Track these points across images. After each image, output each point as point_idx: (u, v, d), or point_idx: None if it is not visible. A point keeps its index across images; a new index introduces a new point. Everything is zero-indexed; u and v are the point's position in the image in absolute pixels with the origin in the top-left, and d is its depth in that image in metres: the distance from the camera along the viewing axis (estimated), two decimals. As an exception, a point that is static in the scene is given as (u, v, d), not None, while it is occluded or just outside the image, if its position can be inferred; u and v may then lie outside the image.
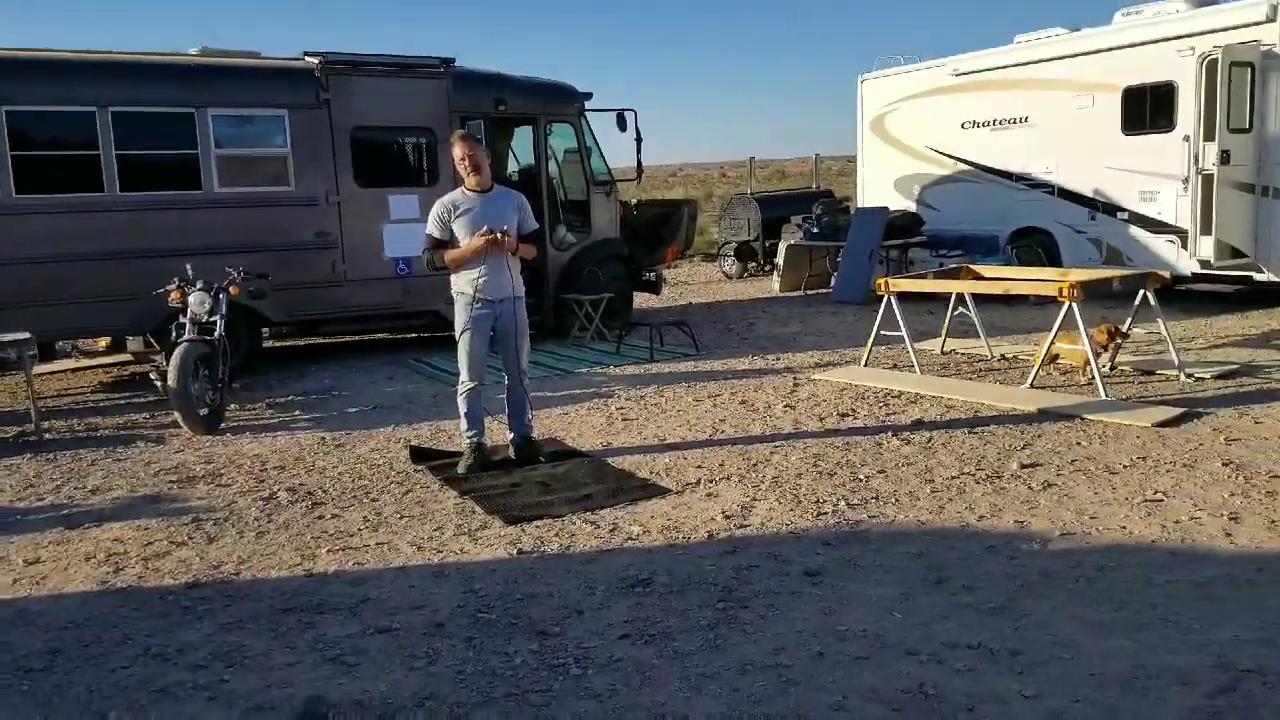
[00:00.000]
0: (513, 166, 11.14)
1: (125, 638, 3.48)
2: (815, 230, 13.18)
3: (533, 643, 3.32)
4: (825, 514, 4.50)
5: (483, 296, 5.31)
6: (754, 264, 15.74)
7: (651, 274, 10.90)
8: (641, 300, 11.70)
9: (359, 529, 4.58)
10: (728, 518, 4.49)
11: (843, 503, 4.64)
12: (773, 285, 13.85)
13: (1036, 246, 11.61)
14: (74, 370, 9.33)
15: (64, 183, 7.85)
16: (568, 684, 3.03)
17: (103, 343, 9.81)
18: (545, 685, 3.03)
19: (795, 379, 7.60)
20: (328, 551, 4.30)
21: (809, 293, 13.06)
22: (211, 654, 3.33)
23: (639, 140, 10.36)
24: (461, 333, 5.39)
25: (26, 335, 6.75)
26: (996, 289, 8.15)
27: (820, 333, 9.84)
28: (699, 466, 5.34)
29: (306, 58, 8.84)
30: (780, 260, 13.63)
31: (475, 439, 5.48)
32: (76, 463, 5.95)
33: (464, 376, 5.44)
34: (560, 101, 10.08)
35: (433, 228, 5.34)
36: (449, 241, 5.33)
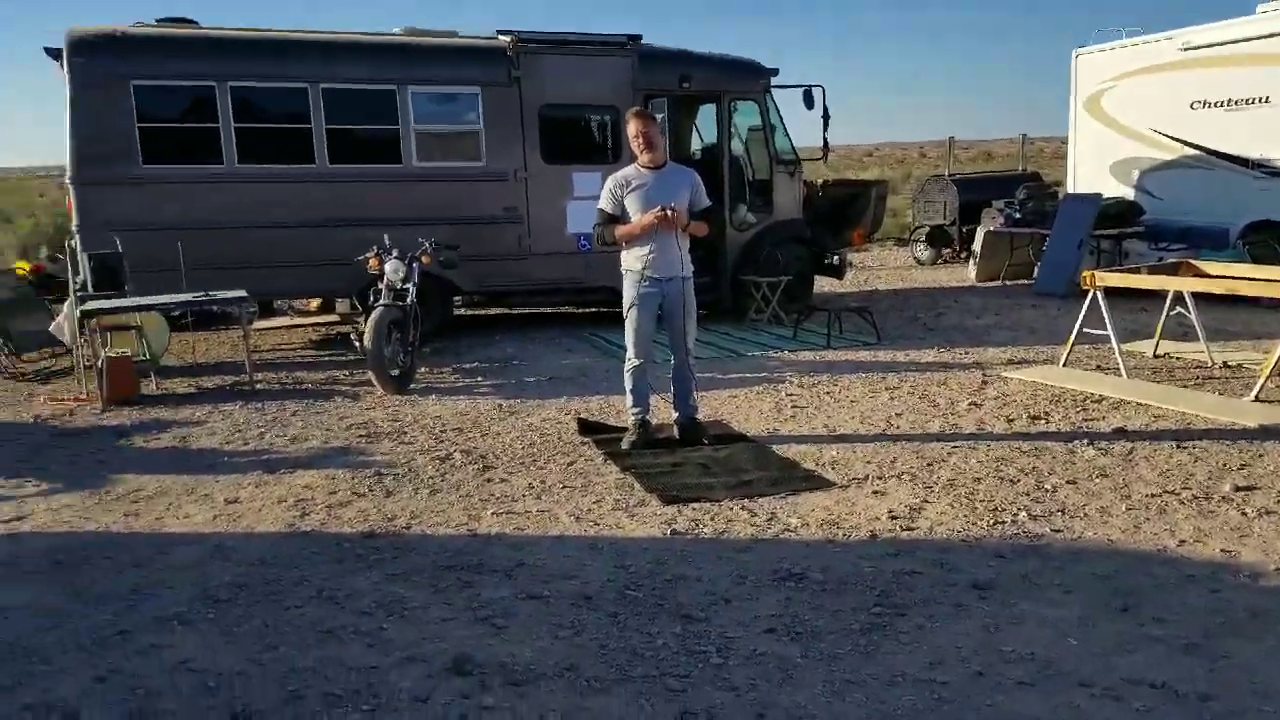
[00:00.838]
0: (695, 144, 11.09)
1: (303, 579, 3.73)
2: (1018, 216, 12.36)
3: (676, 626, 3.29)
4: (1002, 523, 4.21)
5: (651, 274, 5.31)
6: (948, 250, 14.99)
7: (835, 257, 10.58)
8: (823, 284, 11.39)
9: (523, 495, 4.71)
10: (894, 518, 4.28)
11: (1023, 513, 4.32)
12: (968, 273, 13.14)
13: (1274, 242, 10.38)
14: (288, 327, 10.13)
15: (279, 154, 8.47)
16: (706, 672, 2.98)
17: (314, 303, 10.63)
18: (684, 671, 2.99)
19: (984, 375, 7.17)
20: (492, 514, 4.44)
21: (1007, 283, 12.29)
22: (376, 602, 3.52)
23: (826, 118, 10.05)
24: (629, 310, 5.41)
25: (244, 294, 7.37)
26: (1221, 289, 7.33)
27: (1016, 327, 9.24)
28: (868, 462, 5.13)
29: (500, 36, 9.11)
30: (977, 247, 12.90)
31: (640, 416, 5.50)
32: (280, 412, 6.45)
33: (631, 354, 5.47)
34: (745, 78, 9.92)
35: (604, 203, 5.39)
36: (620, 217, 5.35)
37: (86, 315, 6.80)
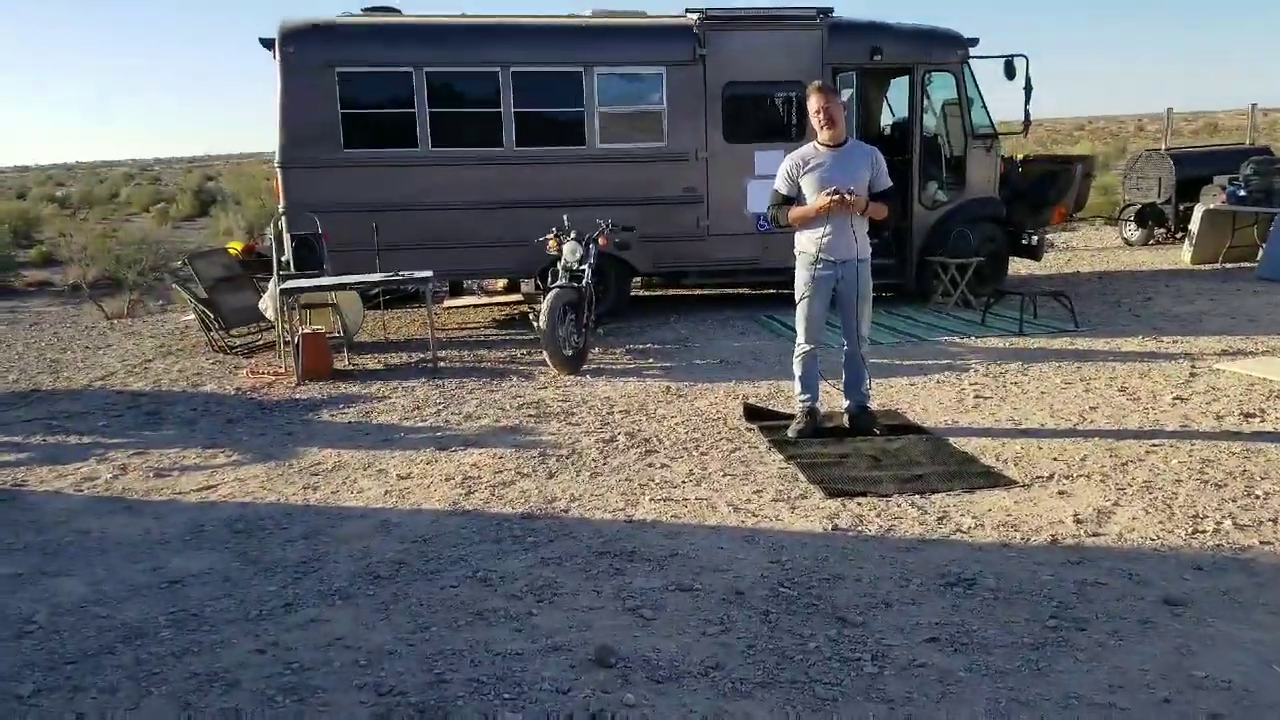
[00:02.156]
0: (886, 119, 10.56)
1: (460, 558, 3.79)
2: (1242, 193, 11.02)
3: (831, 628, 3.09)
4: (1203, 532, 3.72)
5: (825, 257, 5.04)
6: (1162, 230, 13.60)
7: (1032, 238, 9.81)
8: (1019, 266, 10.61)
9: (683, 481, 4.61)
10: (1079, 522, 3.87)
11: (1228, 521, 3.80)
12: (1183, 256, 11.87)
13: None
14: (475, 306, 10.49)
15: (469, 137, 8.72)
16: (860, 682, 2.77)
17: (500, 283, 10.96)
18: (835, 678, 2.80)
19: (1193, 367, 6.42)
20: (650, 500, 4.37)
21: (1227, 266, 11.01)
22: (527, 586, 3.51)
23: (1028, 90, 9.28)
24: (801, 294, 5.18)
25: (429, 274, 7.66)
26: None
27: (1234, 315, 8.25)
28: (1055, 459, 4.68)
29: (687, 14, 8.98)
30: (1195, 227, 11.62)
31: (808, 403, 5.27)
32: (459, 390, 6.66)
33: (801, 339, 5.24)
34: (941, 49, 9.31)
35: (780, 183, 5.16)
36: (795, 198, 5.12)
37: (286, 293, 7.27)
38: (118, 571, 3.79)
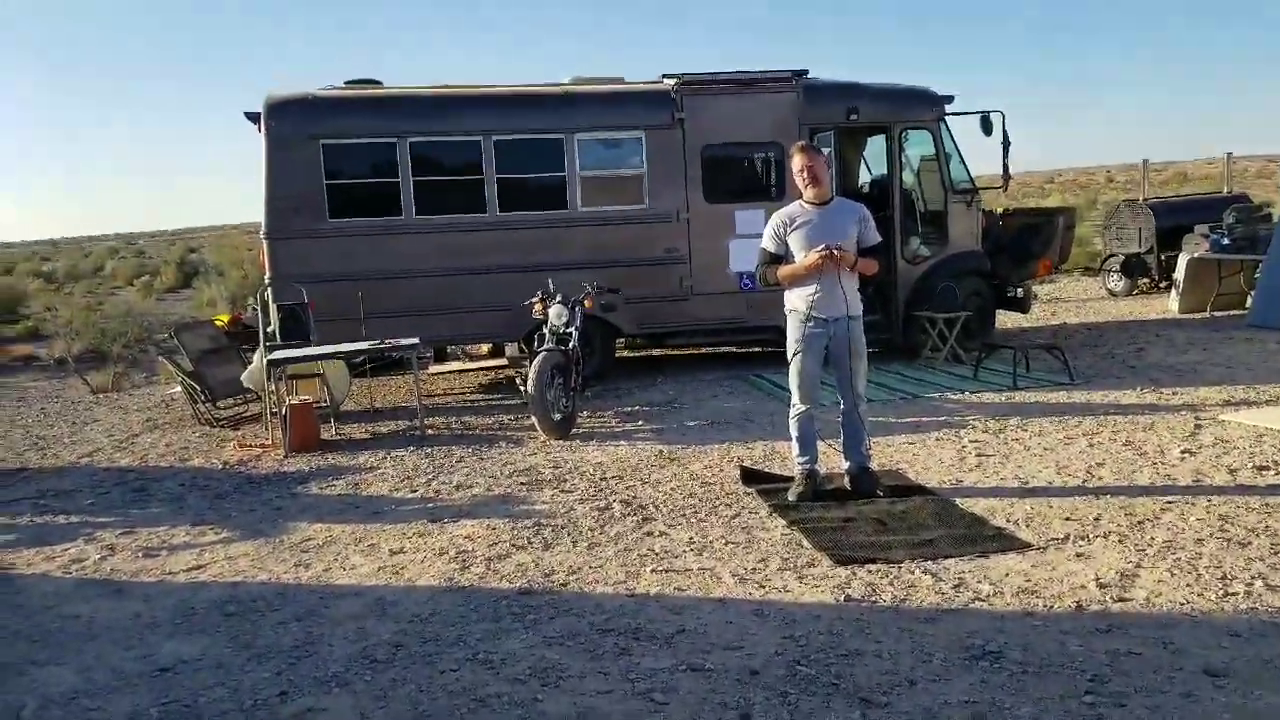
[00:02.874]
0: (864, 176, 10.67)
1: (459, 639, 3.64)
2: (1227, 241, 11.17)
3: (854, 710, 2.95)
4: (1234, 594, 3.62)
5: (816, 315, 5.00)
6: (1145, 280, 13.74)
7: (1018, 290, 9.86)
8: (1006, 319, 10.64)
9: (684, 550, 4.48)
10: (1102, 586, 3.77)
11: (1259, 582, 3.71)
12: (1170, 305, 11.97)
13: None
14: (459, 371, 10.40)
15: (453, 204, 8.74)
16: (890, 770, 2.64)
17: (485, 348, 10.89)
18: (864, 766, 2.66)
19: (1197, 419, 6.39)
20: (651, 571, 4.24)
21: (1215, 315, 11.09)
22: (530, 669, 3.36)
23: (1006, 144, 9.42)
24: (794, 353, 5.12)
25: (415, 341, 7.58)
26: None
27: (1230, 364, 8.26)
28: (1068, 518, 4.59)
29: (664, 79, 9.09)
30: (1180, 275, 11.74)
31: (807, 466, 5.18)
32: (448, 458, 6.52)
33: (795, 399, 5.17)
34: (917, 107, 9.46)
35: (767, 241, 5.14)
36: (784, 256, 5.09)
37: (273, 364, 7.16)
38: (108, 659, 3.62)
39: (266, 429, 7.36)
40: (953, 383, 8.10)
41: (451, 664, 3.42)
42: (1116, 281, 14.00)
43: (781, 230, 5.07)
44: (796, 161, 5.05)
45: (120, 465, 6.76)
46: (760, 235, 5.26)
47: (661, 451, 6.38)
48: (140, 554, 4.83)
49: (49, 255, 48.86)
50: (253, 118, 8.48)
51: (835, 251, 4.86)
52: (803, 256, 4.97)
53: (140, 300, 21.51)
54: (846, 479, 5.22)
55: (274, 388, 7.25)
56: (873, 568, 4.10)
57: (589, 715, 3.02)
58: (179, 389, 8.74)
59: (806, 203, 5.08)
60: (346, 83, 9.25)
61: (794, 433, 5.21)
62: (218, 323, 9.67)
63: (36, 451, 7.39)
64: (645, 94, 9.10)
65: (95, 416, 8.78)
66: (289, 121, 8.39)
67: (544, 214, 8.84)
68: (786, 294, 5.15)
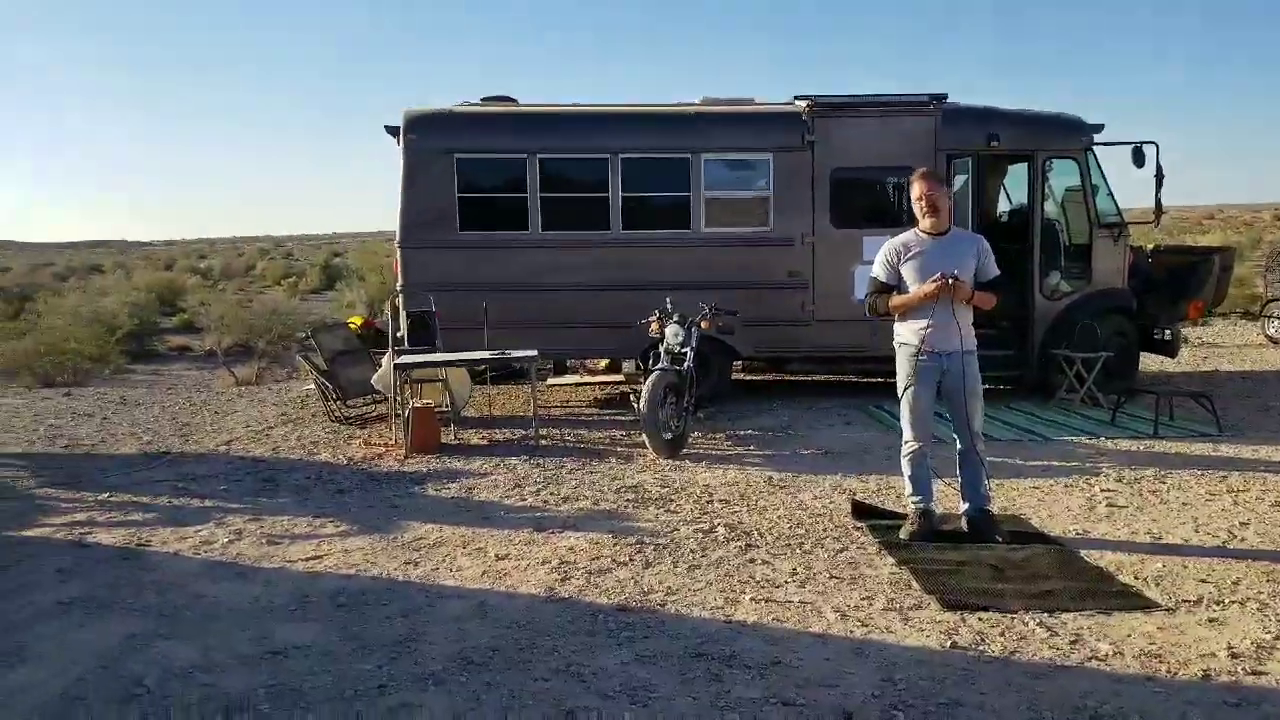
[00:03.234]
0: (1003, 205, 10.29)
1: (554, 649, 3.67)
2: None
3: (951, 763, 2.82)
4: (1391, 680, 3.29)
5: (928, 349, 4.84)
6: (1312, 328, 12.73)
7: (1165, 333, 9.28)
8: (1151, 363, 10.03)
9: (785, 581, 4.39)
10: (1235, 656, 3.48)
11: None
12: (1338, 356, 11.03)
13: None
14: (576, 385, 10.54)
15: (578, 221, 8.90)
16: (985, 830, 2.50)
17: (603, 363, 11.01)
18: (957, 823, 2.53)
19: (1362, 481, 5.85)
20: (750, 599, 4.17)
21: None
22: (621, 685, 3.36)
23: (1159, 177, 8.89)
24: (905, 388, 4.96)
25: (534, 352, 7.73)
26: None
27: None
28: (1203, 580, 4.27)
29: (796, 101, 9.02)
30: (1352, 325, 10.82)
31: (922, 505, 5.00)
32: (558, 469, 6.61)
33: (907, 435, 5.01)
34: (1063, 136, 9.05)
35: (878, 270, 5.02)
36: (896, 286, 4.96)
37: (400, 368, 7.44)
38: (227, 639, 3.82)
39: (390, 429, 7.65)
40: (1088, 426, 7.68)
41: (545, 673, 3.45)
42: (1277, 328, 13.02)
43: (895, 259, 4.95)
44: (915, 189, 4.92)
45: (254, 455, 7.15)
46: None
47: (771, 478, 6.29)
48: (264, 540, 5.09)
49: (205, 254, 52.36)
50: (392, 131, 8.87)
51: (950, 280, 4.70)
52: (915, 287, 4.83)
53: (286, 300, 22.77)
54: (964, 521, 5.01)
55: (400, 390, 7.54)
56: (984, 615, 3.92)
57: (675, 739, 2.99)
58: (313, 386, 9.19)
59: (922, 232, 4.94)
60: (483, 99, 9.56)
61: (906, 471, 5.05)
62: (351, 325, 10.12)
63: (180, 437, 7.90)
64: (775, 115, 9.05)
65: (236, 407, 9.33)
66: (426, 136, 8.73)
67: (666, 233, 8.89)
68: (897, 326, 5.02)
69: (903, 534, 4.94)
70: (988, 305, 4.93)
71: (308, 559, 4.79)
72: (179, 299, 22.04)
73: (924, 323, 4.84)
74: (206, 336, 15.06)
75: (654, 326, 7.57)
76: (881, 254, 5.03)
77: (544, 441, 7.50)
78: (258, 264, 38.76)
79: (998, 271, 4.98)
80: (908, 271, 4.89)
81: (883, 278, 5.00)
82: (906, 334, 4.95)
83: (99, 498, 5.96)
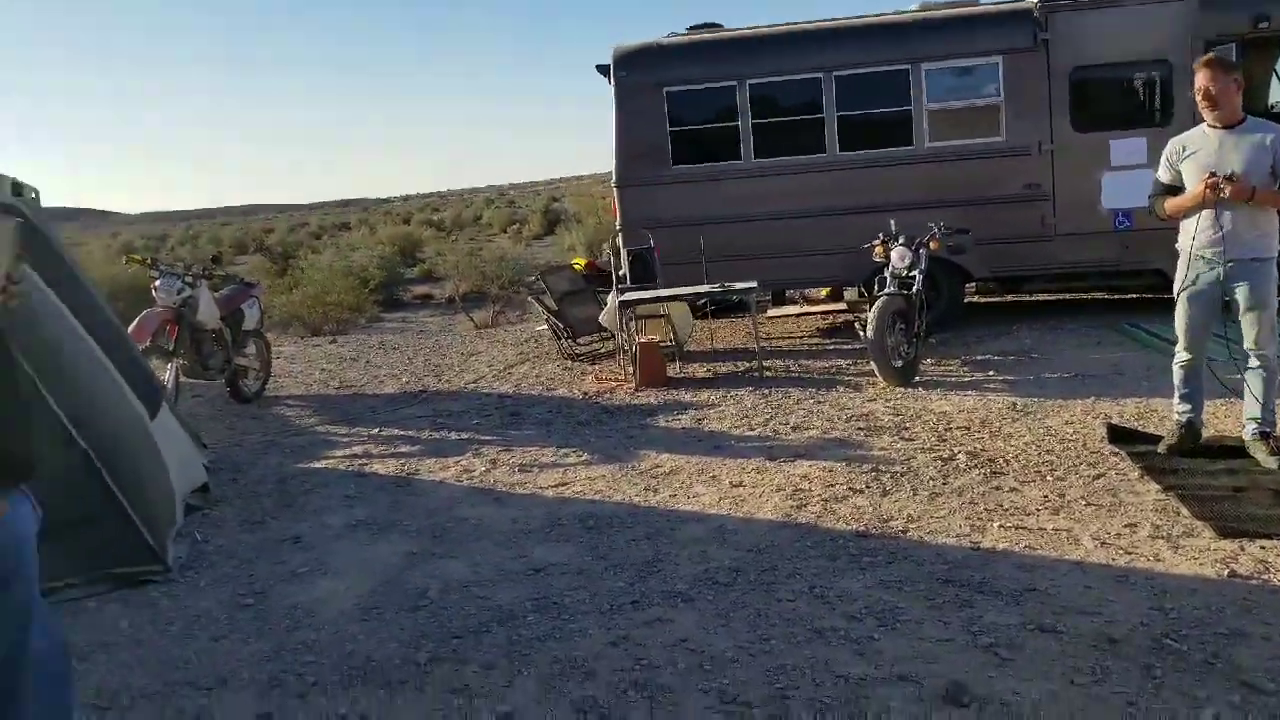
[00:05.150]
0: (1276, 97, 9.08)
1: (795, 572, 3.73)
2: None
3: (1234, 694, 2.64)
4: None
5: (1205, 254, 4.39)
6: None
7: None
8: None
9: (1037, 509, 4.21)
10: None
11: None
12: None
13: None
14: (797, 315, 10.44)
15: (791, 146, 8.71)
16: (1279, 767, 2.34)
17: (824, 291, 10.83)
18: (1246, 758, 2.38)
19: None
20: (999, 527, 4.04)
21: None
22: (866, 608, 3.37)
23: None
24: (1179, 294, 4.56)
25: (753, 284, 7.73)
26: None
27: None
28: None
29: (1025, -2, 8.32)
30: None
31: (1187, 416, 4.63)
32: (784, 400, 6.62)
33: (1180, 345, 4.63)
34: (1356, 8, 7.80)
35: (1160, 171, 4.64)
36: (1178, 187, 4.52)
37: (624, 305, 7.68)
38: (491, 557, 4.17)
39: (619, 365, 7.94)
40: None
41: (788, 594, 3.53)
42: None
43: (1175, 157, 4.54)
44: (1198, 79, 4.43)
45: (499, 392, 7.66)
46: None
47: (1015, 404, 6.00)
48: (516, 469, 5.47)
49: (438, 206, 55.82)
50: (603, 70, 8.99)
51: (1220, 180, 4.23)
52: (1194, 187, 4.39)
53: (512, 247, 23.95)
54: (1251, 444, 4.57)
55: (625, 327, 7.79)
56: (1266, 543, 3.59)
57: (925, 659, 2.99)
58: (545, 326, 9.67)
59: (1208, 126, 4.46)
60: (689, 28, 9.49)
61: (1176, 380, 4.68)
62: (575, 266, 10.52)
63: (434, 377, 8.58)
64: (1002, 15, 8.38)
65: (478, 348, 9.99)
66: (636, 71, 8.79)
67: (887, 151, 8.53)
68: (1180, 228, 4.61)
69: (1161, 447, 4.61)
70: (1276, 204, 4.40)
71: (555, 485, 5.11)
72: (417, 250, 23.74)
73: (1204, 226, 4.41)
74: (445, 285, 16.17)
75: (878, 250, 7.34)
76: (1164, 153, 4.65)
77: (768, 373, 7.52)
78: (484, 214, 40.95)
79: None
80: (1188, 170, 4.47)
81: (1164, 179, 4.61)
82: (1184, 238, 4.55)
83: (371, 432, 6.61)
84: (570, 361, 8.68)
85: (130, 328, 6.27)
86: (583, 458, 5.59)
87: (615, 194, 9.09)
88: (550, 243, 24.23)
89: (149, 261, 7.45)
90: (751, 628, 3.28)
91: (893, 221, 7.40)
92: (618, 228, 9.02)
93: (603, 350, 8.85)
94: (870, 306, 7.12)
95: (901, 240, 7.17)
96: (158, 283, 6.95)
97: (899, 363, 6.83)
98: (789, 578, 3.68)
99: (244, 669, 3.30)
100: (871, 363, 6.93)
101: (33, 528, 2.20)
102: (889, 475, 4.82)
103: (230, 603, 3.88)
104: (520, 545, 4.28)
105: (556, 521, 4.54)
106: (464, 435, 6.36)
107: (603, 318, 8.39)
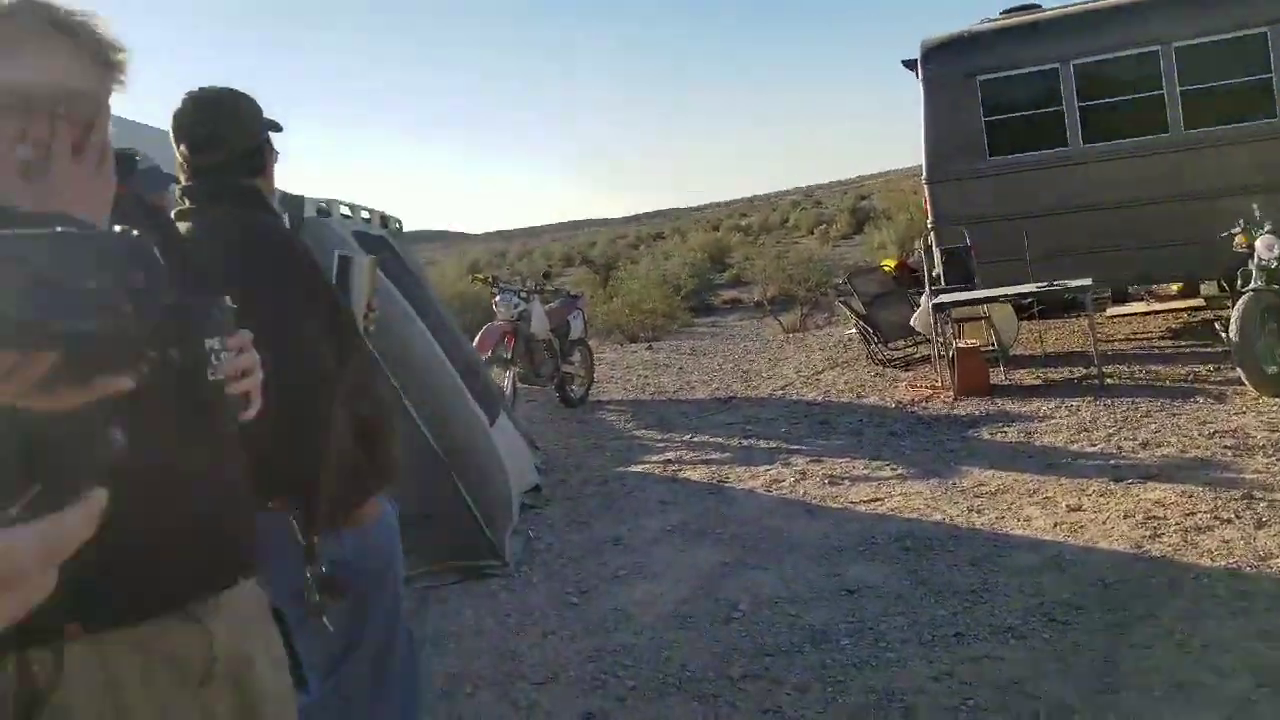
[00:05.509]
0: None
1: (1149, 613, 3.31)
2: None
3: None
4: None
5: None
6: None
7: None
8: None
9: None
10: None
11: None
12: None
13: None
14: (1143, 314, 9.36)
15: (1125, 128, 7.87)
16: None
17: (1175, 287, 9.63)
18: None
19: None
20: None
21: None
22: (1242, 663, 2.90)
23: None
24: None
25: (1088, 281, 7.00)
26: None
27: None
28: None
29: None
30: None
31: None
32: (1131, 411, 5.94)
33: None
34: None
35: None
36: None
37: (938, 308, 7.29)
38: (803, 572, 4.12)
39: (935, 371, 7.56)
40: None
41: (1142, 639, 3.13)
42: None
43: None
44: None
45: (807, 399, 7.59)
46: None
47: None
48: (826, 481, 5.37)
49: (746, 211, 56.70)
50: (910, 65, 8.64)
51: None
52: None
53: (819, 248, 23.68)
54: None
55: (940, 331, 7.39)
56: None
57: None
58: (854, 330, 9.44)
59: None
60: (1002, 12, 8.86)
61: None
62: (885, 268, 10.17)
63: (742, 383, 8.69)
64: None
65: (785, 354, 9.98)
66: (945, 63, 8.37)
67: (1245, 126, 7.44)
68: None
69: None
70: None
71: (869, 500, 4.95)
72: (726, 256, 24.21)
73: None
74: (753, 289, 16.33)
75: (1239, 239, 6.36)
76: None
77: (1110, 380, 6.79)
78: (790, 216, 40.93)
79: None
80: None
81: None
82: None
83: (684, 438, 6.82)
84: (881, 367, 8.40)
85: (475, 340, 6.99)
86: (897, 471, 5.37)
87: (926, 190, 8.71)
88: (859, 241, 23.65)
89: (490, 279, 8.32)
90: (1098, 675, 2.95)
91: (1256, 206, 6.41)
92: (930, 225, 8.61)
93: (916, 355, 8.47)
94: (1233, 304, 6.22)
95: (1268, 227, 6.18)
96: (497, 299, 7.73)
97: (1274, 369, 5.88)
98: (1141, 619, 3.27)
99: (570, 666, 3.51)
100: (1238, 369, 6.03)
101: (397, 525, 2.47)
102: (1265, 503, 4.15)
103: (559, 600, 4.15)
104: (833, 562, 4.18)
105: (871, 539, 4.38)
106: (772, 444, 6.36)
107: (915, 321, 8.03)
